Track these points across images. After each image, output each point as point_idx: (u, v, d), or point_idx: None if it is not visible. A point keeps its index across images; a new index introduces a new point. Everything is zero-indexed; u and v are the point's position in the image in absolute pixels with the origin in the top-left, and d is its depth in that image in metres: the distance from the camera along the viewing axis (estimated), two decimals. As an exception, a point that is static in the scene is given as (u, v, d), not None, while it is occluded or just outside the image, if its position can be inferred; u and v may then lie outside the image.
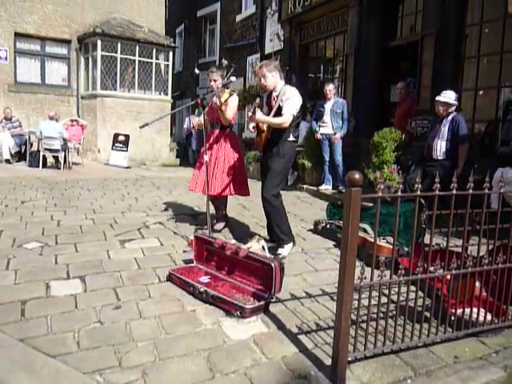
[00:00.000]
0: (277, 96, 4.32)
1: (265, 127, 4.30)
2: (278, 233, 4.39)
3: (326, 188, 7.97)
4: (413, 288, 2.72)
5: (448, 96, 5.55)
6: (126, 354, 2.59)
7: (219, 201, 5.21)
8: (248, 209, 6.48)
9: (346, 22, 9.37)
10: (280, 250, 4.36)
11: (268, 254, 3.91)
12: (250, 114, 4.32)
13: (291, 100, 4.25)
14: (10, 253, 4.18)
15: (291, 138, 4.35)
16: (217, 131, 5.01)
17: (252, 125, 4.39)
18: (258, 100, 4.78)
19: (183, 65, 19.00)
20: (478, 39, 6.94)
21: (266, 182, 4.37)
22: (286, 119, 4.20)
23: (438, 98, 5.59)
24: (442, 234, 3.01)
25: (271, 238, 4.61)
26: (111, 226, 5.33)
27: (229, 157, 4.92)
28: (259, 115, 4.22)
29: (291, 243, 4.47)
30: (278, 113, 4.24)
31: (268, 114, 4.34)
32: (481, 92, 7.02)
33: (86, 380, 2.35)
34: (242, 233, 5.16)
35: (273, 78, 4.30)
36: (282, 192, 4.49)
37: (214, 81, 4.86)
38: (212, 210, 5.04)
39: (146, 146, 12.70)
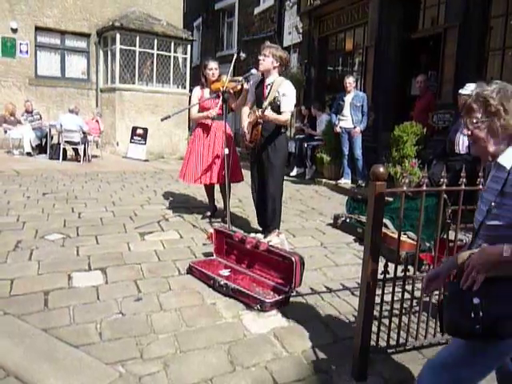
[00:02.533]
0: (269, 85, 4.31)
1: (260, 120, 4.30)
2: (273, 217, 4.46)
3: (345, 182, 7.90)
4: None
5: (471, 89, 5.42)
6: (147, 345, 2.61)
7: (222, 189, 5.23)
8: (244, 203, 6.47)
9: (367, 14, 9.24)
10: (269, 237, 4.33)
11: (288, 248, 3.90)
12: (259, 113, 4.25)
13: (288, 96, 4.24)
14: (33, 244, 4.25)
15: (282, 130, 4.42)
16: (214, 122, 5.05)
17: (246, 123, 4.40)
18: (245, 84, 4.73)
19: (201, 58, 19.01)
20: (503, 31, 6.77)
21: (269, 181, 4.37)
22: (287, 117, 4.32)
23: (461, 91, 5.46)
24: (464, 229, 2.96)
25: (263, 230, 4.65)
26: (131, 218, 5.37)
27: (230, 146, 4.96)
28: (268, 113, 4.21)
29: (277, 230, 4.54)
30: (273, 104, 4.24)
31: (257, 101, 4.40)
32: (505, 85, 6.86)
33: (108, 370, 2.38)
34: (245, 226, 5.15)
35: (270, 64, 4.29)
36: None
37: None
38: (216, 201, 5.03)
39: (164, 140, 12.76)
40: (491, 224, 1.50)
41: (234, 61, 4.89)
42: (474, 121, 1.58)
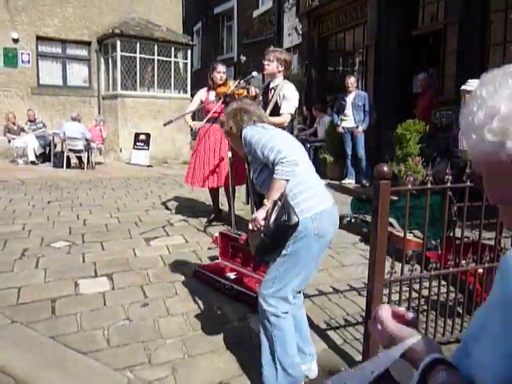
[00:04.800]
0: (273, 89, 4.32)
1: None
2: None
3: (349, 182, 7.88)
4: (443, 282, 2.66)
5: (473, 85, 5.40)
6: (154, 350, 2.61)
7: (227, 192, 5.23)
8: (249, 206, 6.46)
9: (366, 13, 9.23)
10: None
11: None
12: None
13: (289, 99, 4.23)
14: (39, 252, 4.26)
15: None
16: (213, 125, 5.04)
17: None
18: (252, 89, 4.74)
19: (201, 63, 19.05)
20: (503, 25, 6.75)
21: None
22: (285, 119, 4.25)
23: (463, 87, 5.43)
24: (470, 226, 2.94)
25: None
26: (136, 224, 5.38)
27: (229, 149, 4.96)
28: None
29: None
30: (275, 109, 4.24)
31: (263, 106, 4.35)
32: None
33: (117, 376, 2.38)
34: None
35: (274, 68, 4.30)
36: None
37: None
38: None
39: (166, 145, 12.77)
40: (256, 177, 2.23)
41: (237, 82, 4.89)
42: None
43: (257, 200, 4.64)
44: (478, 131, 0.68)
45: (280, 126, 4.27)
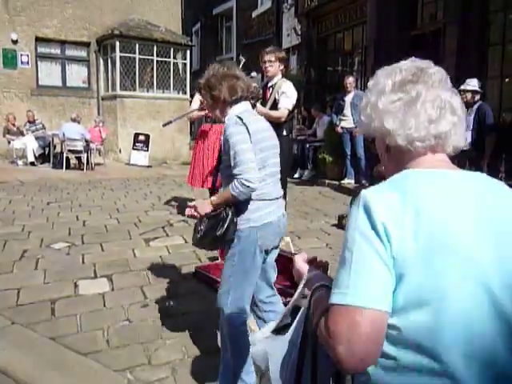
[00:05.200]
0: (271, 87, 4.32)
1: None
2: None
3: (349, 182, 7.89)
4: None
5: (473, 84, 5.42)
6: (154, 351, 2.61)
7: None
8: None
9: (365, 13, 9.23)
10: None
11: (293, 250, 3.89)
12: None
13: (287, 94, 4.24)
14: (39, 253, 4.26)
15: (284, 133, 4.41)
16: (217, 125, 5.04)
17: None
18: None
19: (201, 63, 19.06)
20: (502, 25, 6.75)
21: None
22: (282, 114, 4.24)
23: (462, 87, 5.46)
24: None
25: None
26: (135, 224, 5.38)
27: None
28: (260, 108, 4.22)
29: None
30: (274, 106, 4.24)
31: (262, 104, 4.37)
32: (507, 79, 6.84)
33: (117, 377, 2.38)
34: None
35: (277, 68, 4.31)
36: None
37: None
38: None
39: (166, 145, 12.77)
40: (222, 165, 2.19)
41: (240, 67, 4.91)
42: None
43: None
44: (361, 114, 1.06)
45: (277, 120, 4.27)
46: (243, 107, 2.17)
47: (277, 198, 2.19)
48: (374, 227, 0.87)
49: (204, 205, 2.13)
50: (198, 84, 2.30)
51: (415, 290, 0.85)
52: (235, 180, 1.98)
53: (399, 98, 0.98)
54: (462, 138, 1.01)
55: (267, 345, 1.16)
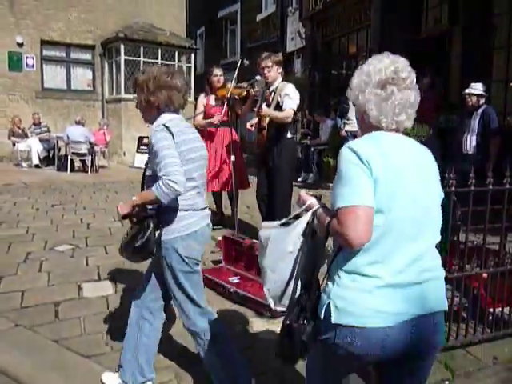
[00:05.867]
0: (273, 91, 4.33)
1: (266, 124, 4.31)
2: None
3: (352, 186, 7.86)
4: (448, 287, 2.65)
5: (478, 88, 5.40)
6: (158, 355, 2.59)
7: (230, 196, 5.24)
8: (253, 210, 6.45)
9: (369, 16, 9.23)
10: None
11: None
12: (256, 109, 4.34)
13: (290, 96, 4.25)
14: (43, 255, 4.27)
15: (289, 135, 4.42)
16: (220, 129, 5.04)
17: (250, 122, 4.44)
18: (251, 90, 4.77)
19: (205, 66, 19.12)
20: (507, 29, 6.74)
21: (276, 185, 4.38)
22: (288, 114, 4.25)
23: (467, 90, 5.44)
24: (475, 231, 2.92)
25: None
26: (139, 227, 5.37)
27: (234, 153, 4.96)
28: (265, 109, 4.24)
29: None
30: (277, 109, 4.26)
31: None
32: (512, 83, 6.82)
33: (120, 381, 2.37)
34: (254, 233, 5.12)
35: (276, 73, 4.33)
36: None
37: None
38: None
39: (170, 148, 12.83)
40: (147, 175, 2.18)
41: (238, 68, 4.90)
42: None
43: (263, 208, 4.65)
44: (352, 84, 1.53)
45: (284, 120, 4.27)
46: (172, 117, 2.16)
47: (202, 209, 2.20)
48: (360, 160, 1.34)
49: (124, 205, 2.13)
50: (135, 79, 2.26)
51: (378, 202, 1.33)
52: (160, 180, 1.95)
53: (379, 93, 1.45)
54: (411, 122, 1.50)
55: (273, 230, 1.61)
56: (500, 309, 2.72)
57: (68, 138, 10.30)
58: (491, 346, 2.70)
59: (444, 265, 2.56)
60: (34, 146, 10.87)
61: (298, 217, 1.56)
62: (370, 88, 1.46)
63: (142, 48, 12.58)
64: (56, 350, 2.67)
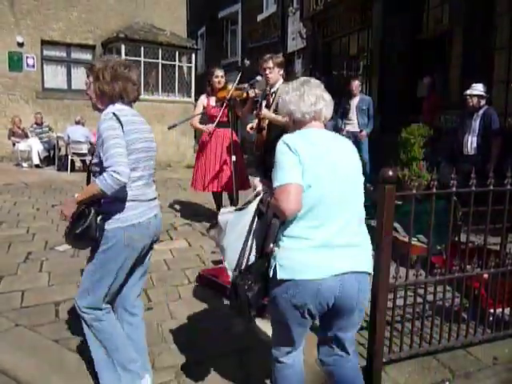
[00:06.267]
0: (274, 92, 4.34)
1: (265, 124, 4.31)
2: None
3: (353, 186, 7.86)
4: (449, 288, 2.65)
5: (478, 89, 5.40)
6: (158, 355, 2.60)
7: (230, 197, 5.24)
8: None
9: (370, 17, 9.23)
10: None
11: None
12: (256, 110, 4.34)
13: None
14: (43, 255, 4.27)
15: None
16: (220, 130, 5.04)
17: (250, 125, 4.44)
18: (251, 91, 4.78)
19: (206, 66, 19.11)
20: (508, 29, 6.73)
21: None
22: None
23: (468, 91, 5.44)
24: (475, 231, 2.92)
25: None
26: (139, 227, 5.37)
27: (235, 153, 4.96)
28: (265, 111, 4.24)
29: None
30: (277, 110, 4.26)
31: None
32: (512, 84, 6.81)
33: (120, 381, 2.36)
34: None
35: (277, 74, 4.34)
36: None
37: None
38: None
39: (170, 148, 12.79)
40: (94, 162, 2.14)
41: (238, 78, 4.90)
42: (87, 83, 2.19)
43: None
44: (279, 106, 1.95)
45: (282, 123, 4.28)
46: (123, 107, 2.16)
47: (149, 200, 2.20)
48: (291, 150, 1.73)
49: (68, 204, 2.11)
50: (90, 65, 2.21)
51: (307, 180, 1.70)
52: (104, 173, 1.95)
53: (295, 94, 1.85)
54: (330, 113, 1.91)
55: (230, 215, 1.95)
56: (500, 309, 2.72)
57: (68, 137, 10.30)
58: (491, 346, 2.70)
59: (445, 265, 2.57)
60: (34, 146, 10.86)
61: (249, 203, 1.91)
62: (289, 94, 1.87)
63: (142, 48, 12.57)
64: (56, 350, 2.67)
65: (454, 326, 2.61)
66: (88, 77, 2.19)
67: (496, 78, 6.89)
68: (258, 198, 1.87)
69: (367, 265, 1.79)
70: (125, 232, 2.09)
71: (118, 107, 2.14)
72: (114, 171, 1.92)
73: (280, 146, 1.77)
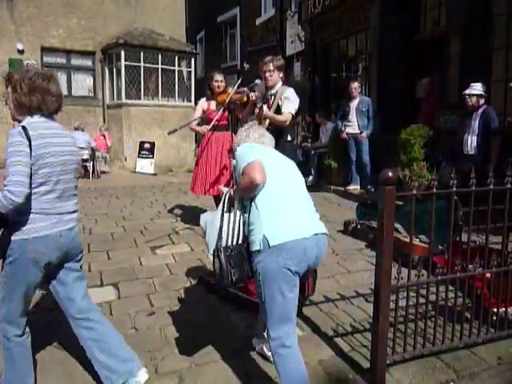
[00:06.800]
0: (273, 95, 4.35)
1: (265, 127, 4.31)
2: None
3: (354, 188, 7.86)
4: (451, 288, 2.65)
5: (477, 88, 5.40)
6: (161, 360, 2.60)
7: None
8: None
9: (368, 19, 9.25)
10: None
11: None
12: (256, 110, 4.34)
13: (290, 99, 4.27)
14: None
15: (289, 138, 4.45)
16: (221, 133, 5.05)
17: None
18: (251, 94, 4.78)
19: (205, 71, 19.15)
20: (506, 30, 6.74)
21: None
22: (287, 117, 4.30)
23: (467, 91, 5.44)
24: (477, 231, 2.92)
25: None
26: (141, 232, 5.39)
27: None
28: (266, 111, 4.25)
29: None
30: (277, 112, 4.28)
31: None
32: (511, 84, 6.81)
33: (124, 386, 2.36)
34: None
35: (277, 77, 4.37)
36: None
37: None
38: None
39: (171, 153, 12.83)
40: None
41: (238, 83, 4.93)
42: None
43: None
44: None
45: (282, 123, 4.29)
46: (37, 120, 2.12)
47: (61, 213, 2.16)
48: (252, 147, 2.29)
49: None
50: (8, 74, 2.14)
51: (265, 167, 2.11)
52: (5, 186, 1.93)
53: (245, 133, 2.44)
54: (272, 142, 2.43)
55: (208, 216, 2.36)
56: (504, 309, 2.71)
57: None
58: (495, 346, 2.69)
59: (446, 265, 2.57)
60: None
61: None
62: (249, 139, 2.39)
63: (142, 53, 12.62)
64: (59, 357, 2.67)
65: (457, 326, 2.60)
66: (7, 87, 2.13)
67: (494, 77, 6.90)
68: (226, 196, 2.24)
69: (325, 228, 2.18)
70: (30, 244, 2.05)
71: (31, 120, 2.10)
72: (9, 191, 1.91)
73: (241, 147, 2.27)
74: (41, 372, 2.46)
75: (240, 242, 2.17)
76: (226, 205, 2.22)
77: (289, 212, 2.06)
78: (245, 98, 4.82)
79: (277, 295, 2.02)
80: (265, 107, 4.28)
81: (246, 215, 2.14)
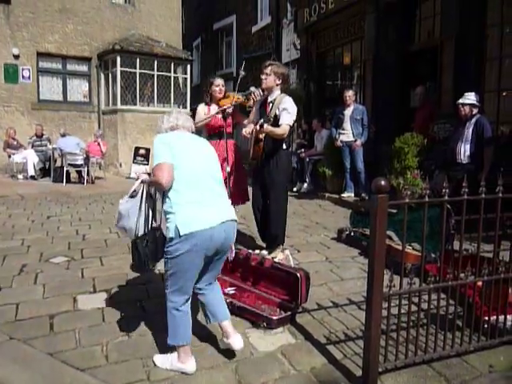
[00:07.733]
0: (271, 103, 4.36)
1: (262, 136, 4.32)
2: (277, 233, 4.47)
3: (349, 195, 7.89)
4: (443, 296, 2.66)
5: (471, 98, 5.46)
6: (154, 367, 2.59)
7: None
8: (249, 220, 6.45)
9: (363, 28, 9.33)
10: (274, 253, 4.37)
11: (293, 264, 3.88)
12: (257, 127, 4.27)
13: (288, 110, 4.27)
14: (38, 267, 4.25)
15: (284, 147, 4.44)
16: (221, 141, 4.98)
17: (246, 130, 4.43)
18: (253, 95, 4.77)
19: (201, 77, 19.20)
20: (499, 40, 6.82)
21: (271, 197, 4.42)
22: (285, 130, 4.28)
23: (460, 100, 5.50)
24: (469, 239, 2.94)
25: (267, 246, 4.66)
26: (135, 238, 5.36)
27: (237, 166, 4.93)
28: (267, 127, 4.21)
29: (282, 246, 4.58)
30: (274, 122, 4.28)
31: (260, 118, 4.40)
32: (504, 93, 6.88)
33: (115, 394, 2.35)
34: (249, 243, 5.10)
35: (272, 82, 4.35)
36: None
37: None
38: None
39: (166, 159, 12.85)
40: None
41: (237, 86, 4.92)
42: None
43: (259, 219, 4.65)
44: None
45: (280, 136, 4.29)
46: None
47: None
48: (163, 142, 2.48)
49: None
50: None
51: (175, 162, 2.40)
52: None
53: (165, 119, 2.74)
54: (189, 125, 2.73)
55: (127, 203, 2.64)
56: (495, 317, 2.73)
57: (61, 150, 10.33)
58: (487, 354, 2.70)
59: (438, 273, 2.58)
60: (29, 158, 10.86)
61: (135, 191, 2.61)
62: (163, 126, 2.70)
63: (138, 60, 12.66)
64: (50, 364, 2.64)
65: (449, 334, 2.61)
66: None
67: (487, 87, 6.97)
68: (143, 185, 2.59)
69: (234, 214, 2.56)
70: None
71: None
72: None
73: (155, 141, 2.49)
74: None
75: (155, 225, 2.62)
76: (143, 194, 2.58)
77: (198, 202, 2.39)
78: (251, 102, 4.78)
79: (185, 275, 2.43)
80: (265, 125, 4.23)
81: (162, 204, 2.47)
